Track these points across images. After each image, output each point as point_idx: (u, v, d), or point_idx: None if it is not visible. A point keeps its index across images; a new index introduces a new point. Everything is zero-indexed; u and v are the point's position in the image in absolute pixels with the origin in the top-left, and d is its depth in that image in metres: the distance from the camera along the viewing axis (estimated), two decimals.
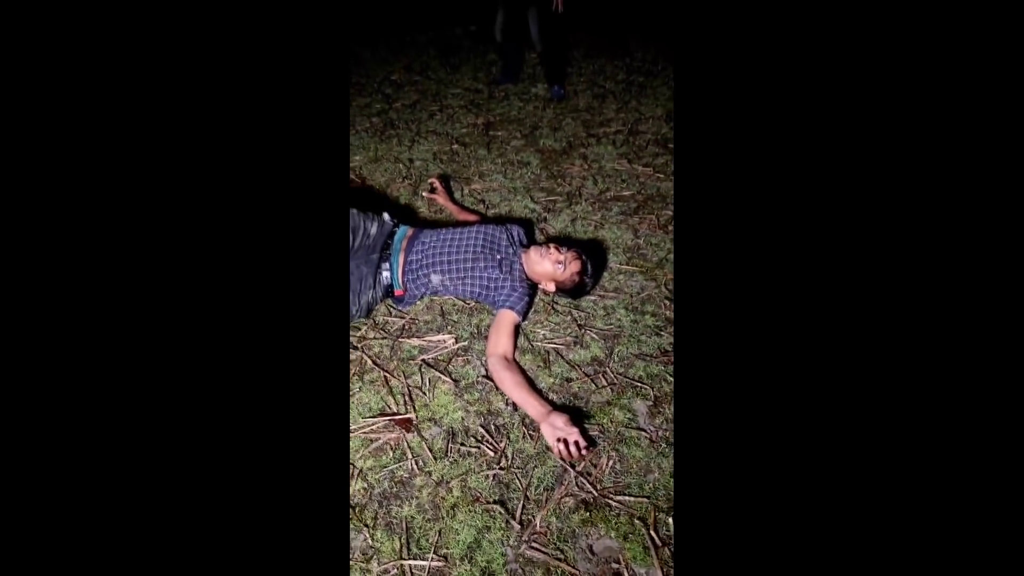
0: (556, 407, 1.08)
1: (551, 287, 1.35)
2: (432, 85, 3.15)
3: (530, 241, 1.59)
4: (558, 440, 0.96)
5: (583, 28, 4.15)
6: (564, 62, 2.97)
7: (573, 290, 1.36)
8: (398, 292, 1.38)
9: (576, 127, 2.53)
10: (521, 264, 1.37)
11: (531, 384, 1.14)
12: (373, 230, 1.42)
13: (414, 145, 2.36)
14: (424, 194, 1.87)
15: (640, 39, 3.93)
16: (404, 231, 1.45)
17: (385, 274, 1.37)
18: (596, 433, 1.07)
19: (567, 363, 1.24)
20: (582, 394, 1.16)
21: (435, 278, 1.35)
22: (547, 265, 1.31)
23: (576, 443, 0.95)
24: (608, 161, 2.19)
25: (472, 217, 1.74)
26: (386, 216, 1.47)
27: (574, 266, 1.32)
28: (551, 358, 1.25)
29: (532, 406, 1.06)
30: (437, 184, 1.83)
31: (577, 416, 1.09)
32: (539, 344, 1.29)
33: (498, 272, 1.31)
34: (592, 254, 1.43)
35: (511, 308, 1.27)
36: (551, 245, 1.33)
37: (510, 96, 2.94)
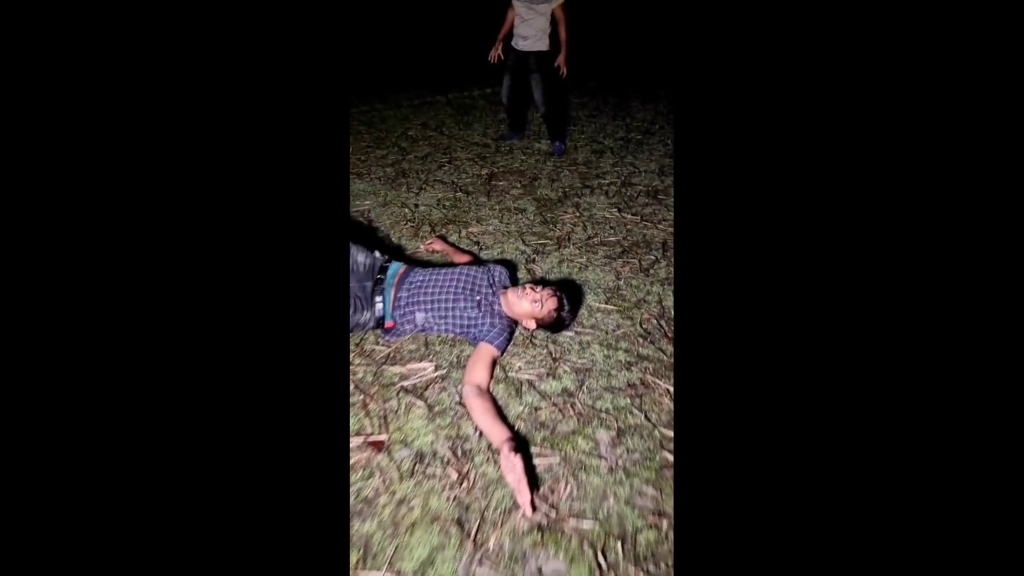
0: (519, 439, 1.12)
1: (532, 324, 1.43)
2: (444, 140, 3.42)
3: (513, 282, 1.69)
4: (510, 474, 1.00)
5: (589, 91, 4.47)
6: (565, 120, 3.21)
7: (552, 325, 1.43)
8: (388, 324, 1.48)
9: (573, 178, 2.70)
10: (500, 304, 1.46)
11: (499, 413, 1.19)
12: (361, 258, 1.53)
13: (421, 192, 2.55)
14: (423, 247, 1.95)
15: (641, 101, 4.21)
16: (397, 267, 1.57)
17: (379, 306, 1.48)
18: (557, 460, 1.10)
19: (538, 393, 1.29)
20: (549, 422, 1.20)
21: (419, 316, 1.44)
22: (525, 304, 1.40)
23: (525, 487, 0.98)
24: (599, 210, 2.32)
25: (466, 259, 1.86)
26: (377, 253, 1.60)
27: (551, 303, 1.40)
28: (523, 388, 1.31)
29: (495, 434, 1.11)
30: (436, 246, 1.93)
31: (535, 447, 1.13)
32: (514, 375, 1.35)
33: (476, 311, 1.41)
34: (567, 291, 1.51)
35: (490, 342, 1.35)
36: (527, 286, 1.43)
37: (514, 150, 3.17)
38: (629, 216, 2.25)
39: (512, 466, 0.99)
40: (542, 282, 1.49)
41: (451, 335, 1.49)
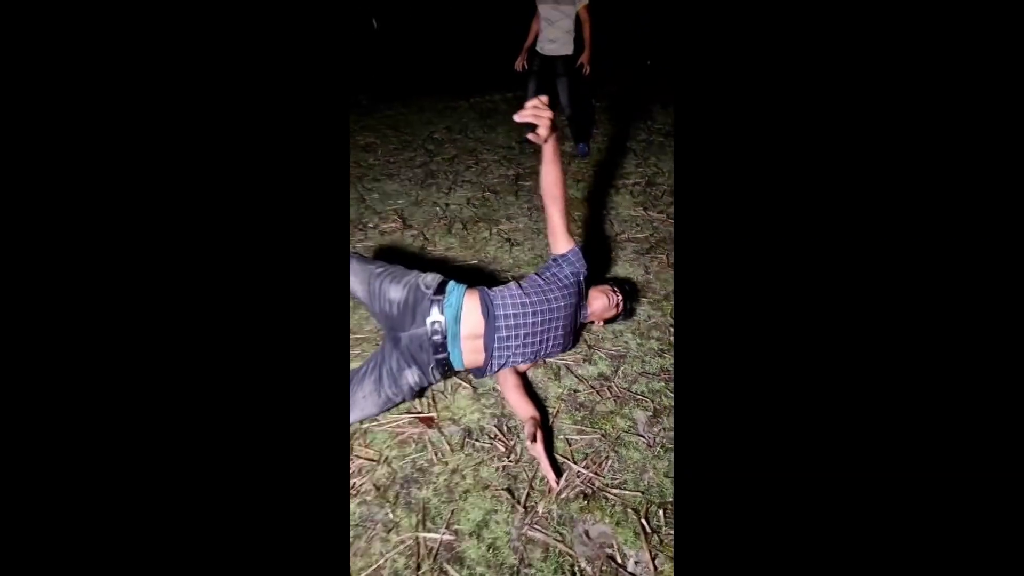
0: (541, 411, 1.18)
1: (600, 323, 1.50)
2: (470, 143, 3.53)
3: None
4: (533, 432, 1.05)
5: (610, 95, 4.55)
6: (589, 124, 3.28)
7: (611, 320, 1.51)
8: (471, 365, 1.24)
9: (598, 179, 2.77)
10: (584, 318, 1.40)
11: (527, 389, 1.25)
12: (395, 296, 1.19)
13: (451, 192, 2.65)
14: (528, 443, 1.08)
15: (662, 104, 4.27)
16: (459, 292, 1.19)
17: (436, 363, 1.20)
18: (598, 437, 1.17)
19: (576, 377, 1.36)
20: (587, 403, 1.28)
21: (520, 364, 1.29)
22: (611, 313, 1.45)
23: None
24: (625, 208, 2.39)
25: (555, 173, 1.34)
26: (427, 279, 1.21)
27: (621, 304, 1.47)
28: (561, 372, 1.38)
29: (521, 410, 1.17)
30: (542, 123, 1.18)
31: (576, 424, 1.20)
32: (551, 360, 1.43)
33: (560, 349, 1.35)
34: (628, 289, 1.60)
35: None
36: (613, 292, 1.44)
37: (540, 152, 3.25)
38: (655, 214, 2.31)
39: (532, 444, 1.05)
40: (610, 281, 1.56)
41: None
